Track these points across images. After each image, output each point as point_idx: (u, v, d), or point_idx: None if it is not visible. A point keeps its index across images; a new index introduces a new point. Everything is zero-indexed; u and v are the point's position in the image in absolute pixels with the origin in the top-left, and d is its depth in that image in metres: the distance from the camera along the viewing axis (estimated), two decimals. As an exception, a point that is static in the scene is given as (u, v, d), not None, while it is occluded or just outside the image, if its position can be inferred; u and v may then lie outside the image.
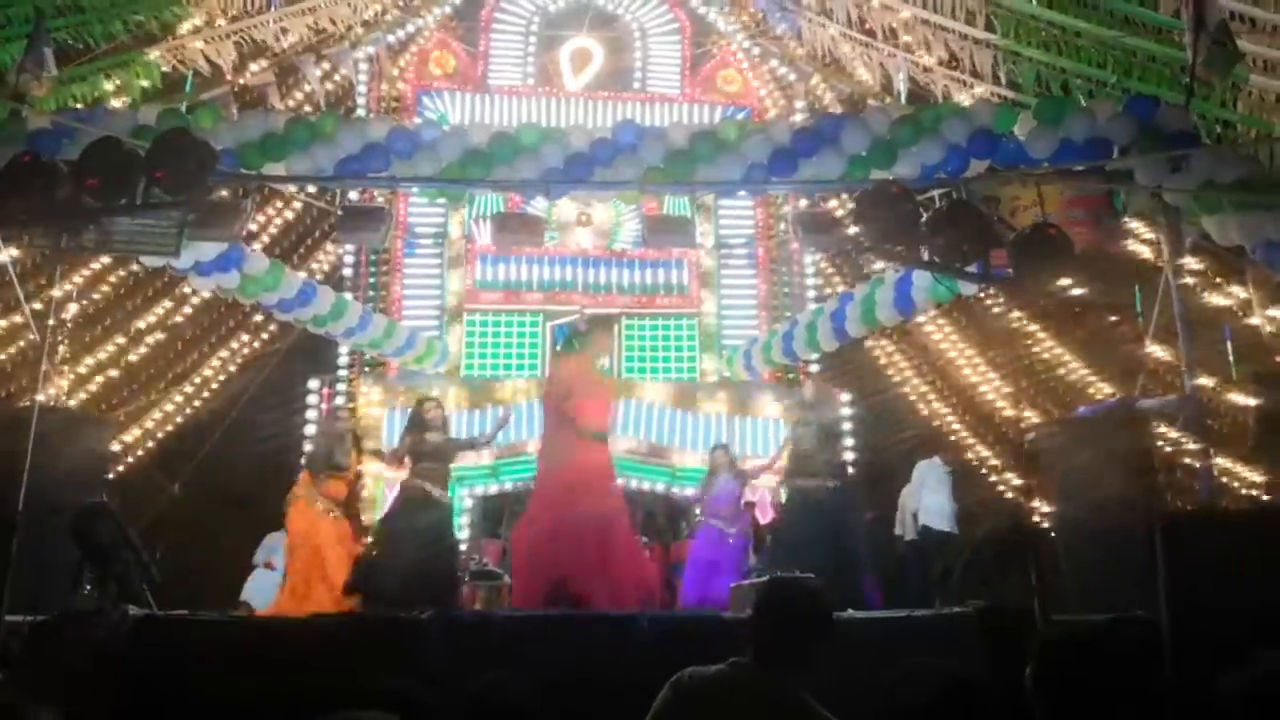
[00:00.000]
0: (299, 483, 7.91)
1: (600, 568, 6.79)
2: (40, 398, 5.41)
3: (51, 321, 7.48)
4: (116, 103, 9.76)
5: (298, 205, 11.52)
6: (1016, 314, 11.10)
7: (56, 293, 8.38)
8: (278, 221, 11.71)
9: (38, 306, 8.40)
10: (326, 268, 11.81)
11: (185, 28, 10.64)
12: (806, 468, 7.84)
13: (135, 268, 10.39)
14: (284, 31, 11.37)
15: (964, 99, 10.67)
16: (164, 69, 10.39)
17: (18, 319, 9.18)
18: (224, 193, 6.94)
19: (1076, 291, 10.20)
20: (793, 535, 7.58)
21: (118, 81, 10.00)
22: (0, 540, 4.76)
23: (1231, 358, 8.46)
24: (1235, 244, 6.45)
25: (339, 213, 7.73)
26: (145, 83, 10.21)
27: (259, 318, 10.99)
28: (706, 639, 5.15)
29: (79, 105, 9.12)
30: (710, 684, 2.37)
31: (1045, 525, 6.82)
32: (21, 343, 9.55)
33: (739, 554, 8.12)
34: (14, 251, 7.80)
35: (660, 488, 10.31)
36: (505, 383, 10.72)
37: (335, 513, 7.78)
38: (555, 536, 6.86)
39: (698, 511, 8.52)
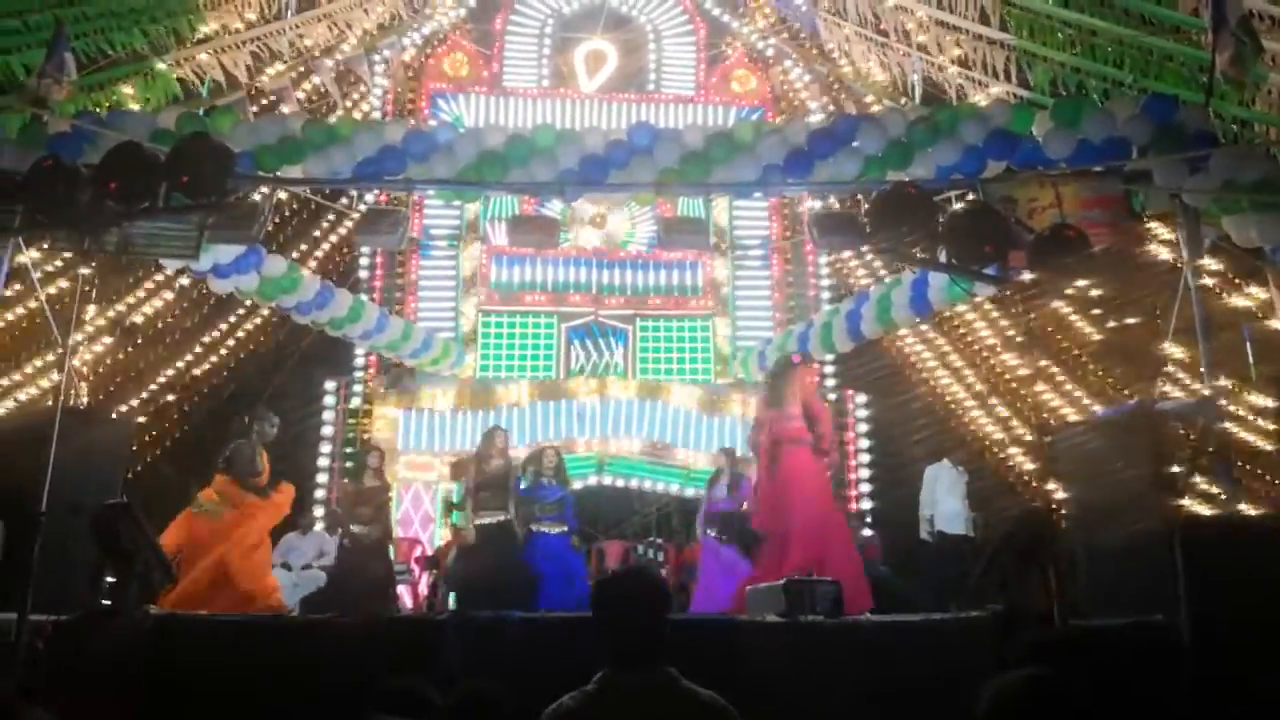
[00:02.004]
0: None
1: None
2: (62, 398, 5.45)
3: (80, 322, 7.54)
4: (135, 107, 9.84)
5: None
6: (1032, 316, 11.04)
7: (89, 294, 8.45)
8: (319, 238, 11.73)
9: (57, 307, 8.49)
10: (341, 269, 11.86)
11: (201, 35, 10.70)
12: None
13: (154, 268, 10.47)
14: (300, 37, 11.43)
15: (979, 99, 10.63)
16: (180, 77, 10.46)
17: (38, 320, 9.28)
18: (251, 196, 6.97)
19: (1095, 293, 10.14)
20: None
21: (135, 90, 10.09)
22: (24, 540, 4.81)
23: (1251, 359, 8.38)
24: (1255, 245, 6.40)
25: (356, 215, 7.78)
26: (161, 91, 10.30)
27: (276, 319, 11.05)
28: (718, 641, 5.16)
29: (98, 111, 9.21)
30: (580, 706, 2.31)
31: (1063, 528, 6.76)
32: (44, 343, 9.64)
33: (742, 561, 8.04)
34: (34, 254, 7.88)
35: (674, 489, 10.33)
36: (520, 384, 10.78)
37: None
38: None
39: (700, 522, 8.47)
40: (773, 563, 6.73)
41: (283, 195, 9.21)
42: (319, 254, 11.85)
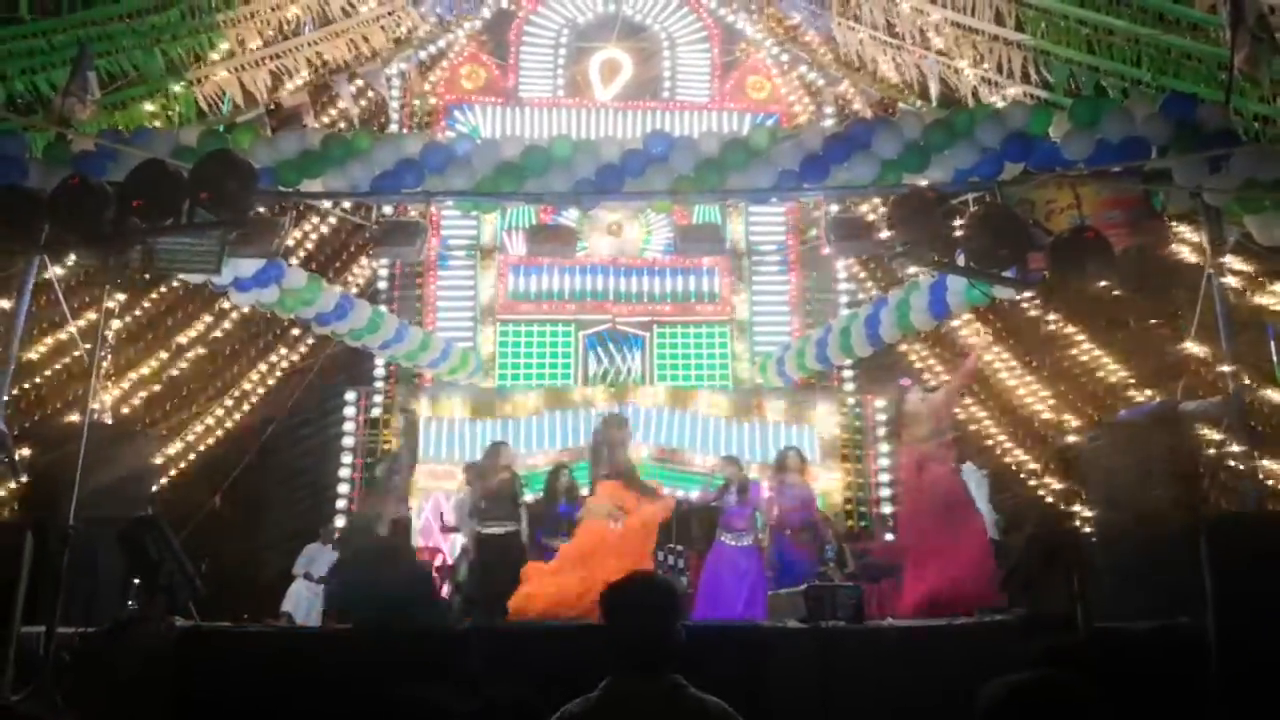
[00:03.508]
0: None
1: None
2: (89, 413, 5.52)
3: (104, 339, 7.62)
4: (156, 124, 9.96)
5: (333, 220, 11.67)
6: (1054, 316, 10.95)
7: (109, 304, 8.54)
8: (314, 236, 11.85)
9: (83, 323, 8.60)
10: (361, 281, 11.95)
11: (220, 53, 10.81)
12: None
13: (175, 283, 10.58)
14: (318, 55, 11.54)
15: (995, 100, 10.58)
16: (199, 96, 10.57)
17: (63, 335, 9.39)
18: (262, 210, 7.06)
19: (1115, 293, 10.05)
20: None
21: (156, 108, 10.22)
22: (52, 553, 4.88)
23: (1275, 357, 8.28)
24: (1278, 244, 6.34)
25: (374, 227, 7.85)
26: (180, 108, 10.43)
27: (296, 331, 11.14)
28: (743, 648, 5.16)
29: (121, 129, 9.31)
30: (585, 712, 2.31)
31: (1087, 530, 6.72)
32: (68, 359, 9.75)
33: (754, 563, 8.05)
34: (59, 271, 7.99)
35: (694, 495, 10.31)
36: (538, 392, 10.81)
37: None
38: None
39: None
40: (920, 571, 6.85)
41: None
42: (337, 265, 11.95)
